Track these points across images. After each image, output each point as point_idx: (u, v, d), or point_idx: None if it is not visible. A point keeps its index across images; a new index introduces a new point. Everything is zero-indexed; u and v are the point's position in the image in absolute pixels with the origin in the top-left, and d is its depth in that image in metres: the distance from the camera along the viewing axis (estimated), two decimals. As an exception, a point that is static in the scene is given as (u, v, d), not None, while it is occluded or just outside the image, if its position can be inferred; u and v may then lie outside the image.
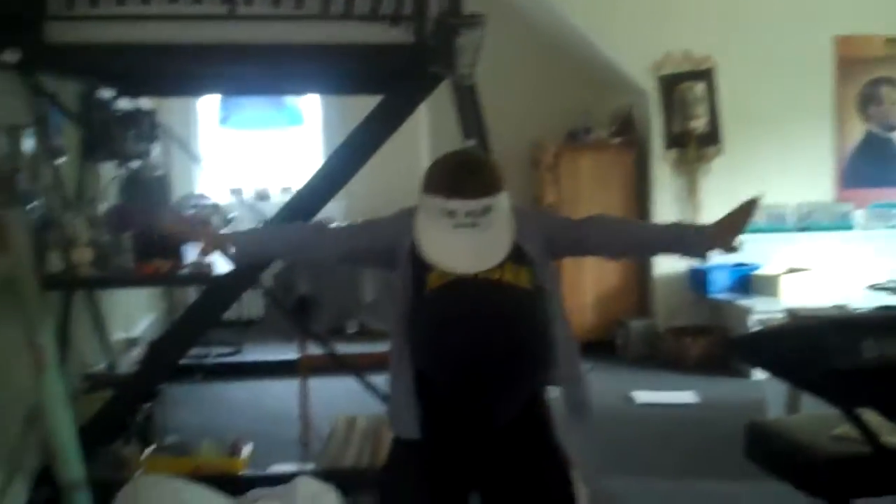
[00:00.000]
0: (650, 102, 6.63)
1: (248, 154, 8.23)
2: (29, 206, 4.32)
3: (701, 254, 2.57)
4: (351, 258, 2.69)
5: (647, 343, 6.56)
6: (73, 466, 3.85)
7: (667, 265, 6.65)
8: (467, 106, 4.50)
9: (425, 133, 7.47)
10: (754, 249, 6.57)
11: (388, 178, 7.33)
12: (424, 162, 7.47)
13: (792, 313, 4.65)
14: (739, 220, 2.56)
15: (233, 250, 2.67)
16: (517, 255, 2.41)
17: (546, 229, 2.54)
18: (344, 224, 2.76)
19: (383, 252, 2.54)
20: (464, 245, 2.32)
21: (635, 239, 2.64)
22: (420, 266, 2.40)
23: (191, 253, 4.45)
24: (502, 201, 2.35)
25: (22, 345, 3.92)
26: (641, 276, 6.85)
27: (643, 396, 5.61)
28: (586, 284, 6.68)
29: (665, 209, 6.61)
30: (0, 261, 3.90)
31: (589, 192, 6.66)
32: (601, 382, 5.88)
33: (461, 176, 2.31)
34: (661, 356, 6.40)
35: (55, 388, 3.89)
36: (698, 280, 6.54)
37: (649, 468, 4.44)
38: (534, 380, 2.50)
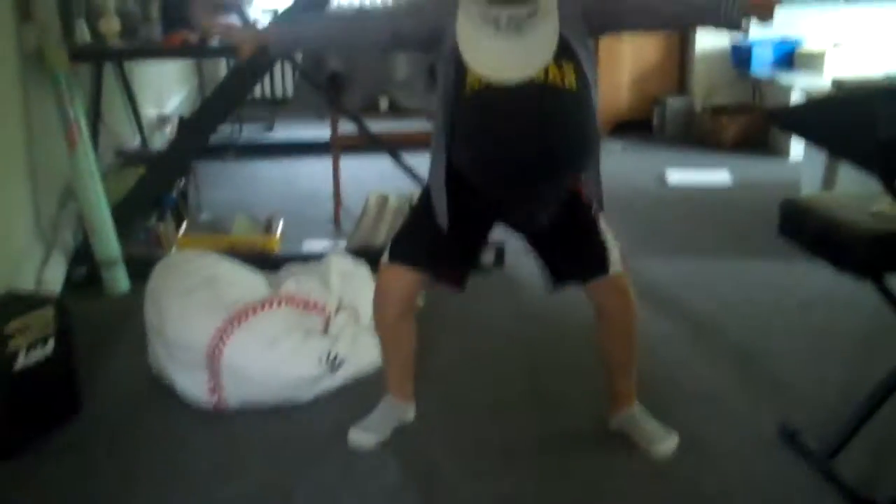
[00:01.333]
0: None
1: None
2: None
3: (737, 23, 2.43)
4: (393, 45, 2.62)
5: (683, 122, 6.45)
6: (108, 242, 3.92)
7: (708, 41, 6.44)
8: None
9: None
10: (799, 23, 6.34)
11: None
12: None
13: (838, 84, 4.47)
14: None
15: (270, 46, 2.59)
16: (562, 51, 2.32)
17: (584, 6, 2.43)
18: (380, 7, 2.66)
19: (427, 38, 2.47)
20: (507, 52, 2.21)
21: (673, 9, 2.50)
22: (459, 62, 2.32)
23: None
24: (546, 2, 2.22)
25: (54, 121, 3.90)
26: (681, 53, 6.66)
27: (676, 177, 5.54)
28: (624, 62, 6.51)
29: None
30: (26, 30, 3.83)
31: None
32: (635, 162, 5.83)
33: None
34: (698, 135, 6.29)
35: (88, 164, 3.90)
36: (740, 57, 6.34)
37: (682, 248, 4.43)
38: (574, 180, 2.55)
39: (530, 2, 2.17)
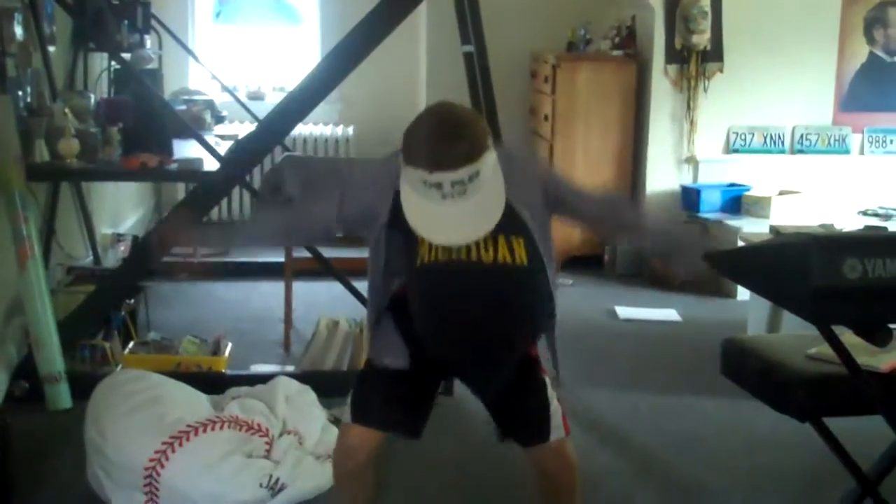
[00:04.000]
0: (654, 15, 6.51)
1: (243, 51, 8.09)
2: (16, 94, 4.27)
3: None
4: (336, 231, 2.57)
5: (633, 260, 6.55)
6: (52, 359, 3.87)
7: (658, 183, 6.61)
8: (466, 10, 4.42)
9: (423, 38, 7.35)
10: (748, 170, 6.55)
11: (384, 83, 7.26)
12: (422, 67, 7.38)
13: (776, 230, 4.64)
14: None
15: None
16: (513, 227, 2.33)
17: (546, 186, 2.47)
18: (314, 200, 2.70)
19: (368, 218, 2.44)
20: (455, 216, 2.20)
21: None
22: (408, 232, 2.28)
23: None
24: (488, 160, 2.21)
25: (6, 236, 3.90)
26: (632, 193, 6.81)
27: (626, 312, 5.61)
28: (578, 199, 6.64)
29: (662, 126, 6.54)
30: (-16, 148, 3.86)
31: (586, 105, 6.57)
32: (586, 297, 5.90)
33: (442, 146, 2.16)
34: (647, 274, 6.39)
35: (37, 280, 3.88)
36: (689, 199, 6.50)
37: (628, 382, 4.46)
38: (526, 351, 2.54)
39: (470, 164, 2.15)
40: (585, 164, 6.57)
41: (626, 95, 6.65)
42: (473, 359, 2.44)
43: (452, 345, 2.41)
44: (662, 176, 6.60)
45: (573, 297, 5.80)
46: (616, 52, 6.74)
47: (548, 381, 2.58)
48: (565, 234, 6.56)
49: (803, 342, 2.74)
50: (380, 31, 4.15)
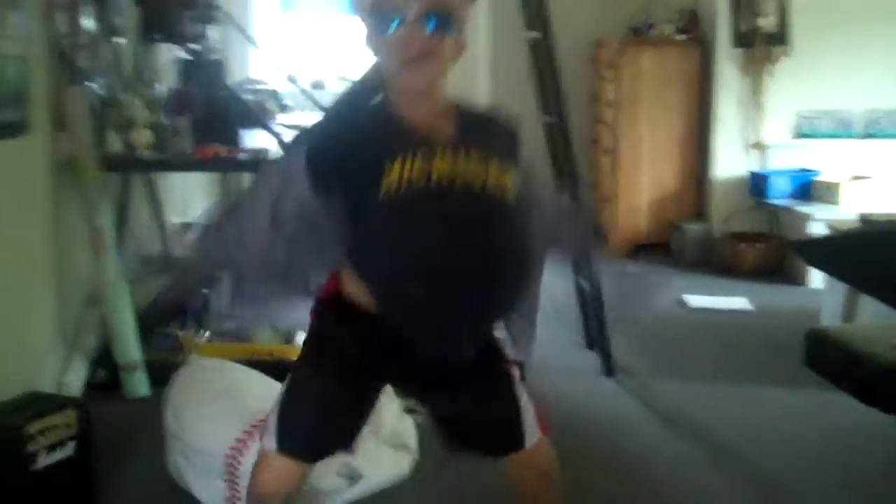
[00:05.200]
0: (718, -2, 6.44)
1: (306, 41, 8.12)
2: (88, 85, 4.32)
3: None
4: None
5: (702, 247, 6.49)
6: (130, 348, 3.93)
7: (726, 169, 6.53)
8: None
9: (486, 27, 7.32)
10: (817, 155, 6.45)
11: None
12: (483, 56, 7.35)
13: (865, 219, 4.56)
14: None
15: None
16: (508, 147, 1.99)
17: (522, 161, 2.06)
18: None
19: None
20: None
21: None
22: (369, 167, 1.84)
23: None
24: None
25: (81, 226, 3.96)
26: (700, 180, 6.75)
27: (697, 301, 5.56)
28: (642, 186, 6.60)
29: (728, 111, 6.47)
30: (60, 139, 3.92)
31: (650, 90, 6.52)
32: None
33: None
34: (716, 261, 6.33)
35: (113, 270, 3.94)
36: (758, 185, 6.42)
37: (703, 372, 4.41)
38: (506, 314, 2.06)
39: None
40: (651, 150, 6.53)
41: (690, 80, 6.58)
42: (443, 307, 1.87)
43: (421, 286, 1.84)
44: (730, 162, 6.53)
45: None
46: (680, 37, 6.68)
47: (514, 374, 2.16)
48: (633, 221, 6.57)
49: (889, 332, 2.69)
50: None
